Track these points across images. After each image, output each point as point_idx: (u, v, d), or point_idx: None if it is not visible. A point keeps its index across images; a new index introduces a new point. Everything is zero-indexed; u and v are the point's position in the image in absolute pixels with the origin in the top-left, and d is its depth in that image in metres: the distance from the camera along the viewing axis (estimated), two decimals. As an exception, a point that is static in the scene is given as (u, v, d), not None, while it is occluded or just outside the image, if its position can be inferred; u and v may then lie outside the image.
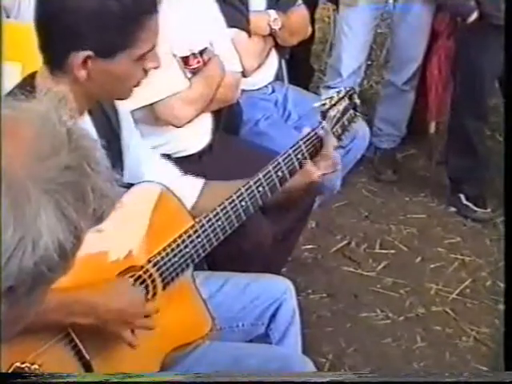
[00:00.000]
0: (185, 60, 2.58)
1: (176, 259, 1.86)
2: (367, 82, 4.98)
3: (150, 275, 1.83)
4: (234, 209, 1.94)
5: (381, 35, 5.03)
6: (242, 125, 3.09)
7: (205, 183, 2.10)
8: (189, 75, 2.59)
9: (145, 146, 2.10)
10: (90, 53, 1.70)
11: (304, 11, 3.31)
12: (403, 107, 4.17)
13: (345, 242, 3.63)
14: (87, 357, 1.73)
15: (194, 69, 2.59)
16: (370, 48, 4.25)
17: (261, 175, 1.99)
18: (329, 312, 3.20)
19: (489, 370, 2.86)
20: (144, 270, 1.82)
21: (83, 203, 0.85)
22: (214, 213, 1.91)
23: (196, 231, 1.88)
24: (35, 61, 1.85)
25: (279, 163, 2.02)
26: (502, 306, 3.11)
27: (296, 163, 2.04)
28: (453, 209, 3.93)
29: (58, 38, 1.72)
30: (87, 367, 1.74)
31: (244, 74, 2.88)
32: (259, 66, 3.13)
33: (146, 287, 1.83)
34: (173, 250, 1.85)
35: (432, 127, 4.21)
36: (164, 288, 1.85)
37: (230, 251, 2.13)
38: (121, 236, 1.77)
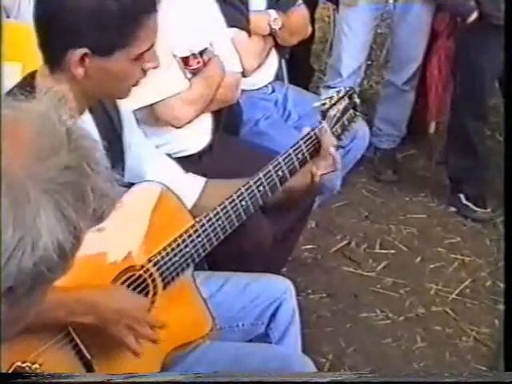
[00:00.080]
0: (185, 60, 2.58)
1: (176, 259, 1.86)
2: (367, 81, 4.98)
3: (151, 275, 1.83)
4: (235, 208, 1.94)
5: (381, 35, 5.03)
6: (242, 125, 3.09)
7: (206, 182, 2.11)
8: (189, 76, 2.59)
9: (146, 145, 2.10)
10: (86, 50, 1.70)
11: (304, 11, 3.31)
12: (403, 107, 4.17)
13: (345, 242, 3.63)
14: (88, 356, 1.73)
15: (194, 69, 2.59)
16: (370, 48, 4.25)
17: (261, 175, 1.99)
18: (329, 312, 3.20)
19: (489, 370, 2.86)
20: (144, 269, 1.82)
21: (83, 203, 0.85)
22: (215, 212, 1.91)
23: (196, 231, 1.88)
24: (35, 61, 1.85)
25: (279, 163, 2.02)
26: (501, 306, 3.11)
27: (296, 163, 2.04)
28: (453, 209, 3.93)
29: (56, 36, 1.72)
30: (88, 367, 1.74)
31: (244, 74, 2.88)
32: (259, 66, 3.13)
33: (147, 287, 1.83)
34: (173, 249, 1.85)
35: (432, 127, 4.22)
36: (164, 287, 1.86)
37: (231, 251, 2.13)
38: (121, 236, 1.78)
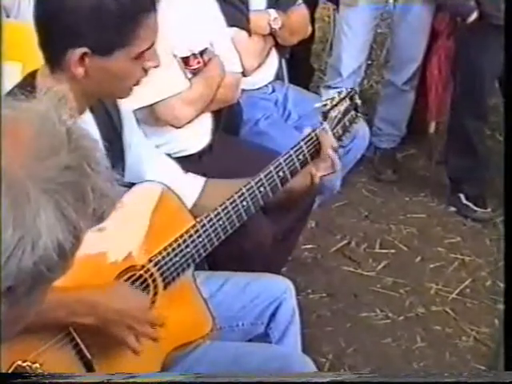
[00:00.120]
0: (185, 60, 2.58)
1: (177, 259, 1.86)
2: (367, 81, 4.98)
3: (151, 275, 1.83)
4: (235, 209, 1.94)
5: (381, 35, 5.03)
6: (242, 124, 3.09)
7: (206, 181, 2.11)
8: (189, 76, 2.59)
9: (146, 145, 2.10)
10: (86, 49, 1.70)
11: (304, 10, 3.31)
12: (403, 107, 4.17)
13: (345, 241, 3.63)
14: (88, 356, 1.73)
15: (194, 69, 2.59)
16: (370, 48, 4.25)
17: (262, 175, 1.99)
18: (329, 312, 3.20)
19: (489, 369, 2.86)
20: (145, 269, 1.82)
21: (83, 203, 0.85)
22: (215, 212, 1.91)
23: (197, 231, 1.88)
24: (35, 60, 1.85)
25: (280, 163, 2.02)
26: (501, 306, 3.11)
27: (297, 164, 2.04)
28: (453, 208, 3.93)
29: (56, 35, 1.72)
30: (88, 367, 1.74)
31: (244, 74, 2.88)
32: (259, 66, 3.13)
33: (147, 287, 1.83)
34: (174, 249, 1.85)
35: (432, 127, 4.22)
36: (165, 288, 1.85)
37: (231, 251, 2.13)
38: (122, 236, 1.78)
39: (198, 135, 2.72)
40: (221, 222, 1.92)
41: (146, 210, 1.84)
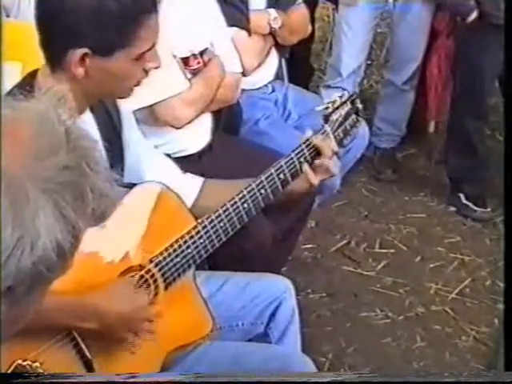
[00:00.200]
0: (185, 61, 2.58)
1: (178, 260, 1.86)
2: (367, 81, 4.98)
3: (152, 275, 1.83)
4: (236, 211, 1.94)
5: (381, 34, 5.03)
6: (241, 124, 3.09)
7: (204, 181, 2.11)
8: (189, 76, 2.59)
9: (145, 145, 2.10)
10: (87, 50, 1.70)
11: (304, 10, 3.31)
12: (403, 107, 4.17)
13: (344, 241, 3.63)
14: (89, 356, 1.73)
15: (194, 69, 2.59)
16: (369, 47, 4.25)
17: (263, 178, 1.99)
18: (328, 311, 3.20)
19: (489, 369, 2.86)
20: (146, 269, 1.82)
21: (82, 203, 0.85)
22: (216, 214, 1.91)
23: (198, 232, 1.88)
24: (35, 60, 1.85)
25: (281, 166, 2.02)
26: (501, 306, 3.11)
27: (298, 166, 2.04)
28: (452, 208, 3.93)
29: (56, 35, 1.73)
30: (89, 366, 1.74)
31: (244, 73, 2.88)
32: (259, 65, 3.13)
33: (148, 287, 1.83)
34: (175, 250, 1.85)
35: (432, 127, 4.22)
36: (166, 288, 1.85)
37: (232, 251, 2.13)
38: (122, 236, 1.78)
39: (198, 135, 2.72)
40: (222, 224, 1.92)
41: (147, 210, 1.84)
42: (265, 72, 3.24)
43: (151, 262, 1.83)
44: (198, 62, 2.60)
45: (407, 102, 4.15)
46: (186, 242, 1.87)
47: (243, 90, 2.95)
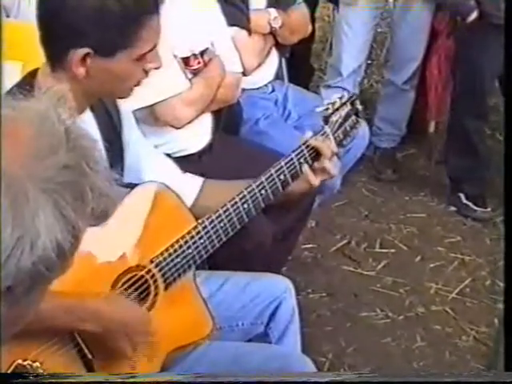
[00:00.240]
0: (185, 61, 2.58)
1: (178, 260, 1.86)
2: (367, 81, 4.98)
3: (153, 276, 1.83)
4: (237, 211, 1.94)
5: (381, 34, 5.03)
6: (242, 124, 3.09)
7: (204, 181, 2.11)
8: (189, 76, 2.59)
9: (144, 144, 2.10)
10: (88, 50, 1.71)
11: (304, 9, 3.31)
12: (403, 106, 4.17)
13: (345, 241, 3.63)
14: (89, 356, 1.73)
15: (194, 69, 2.59)
16: (370, 47, 4.25)
17: (263, 178, 1.99)
18: (328, 311, 3.20)
19: (489, 369, 2.86)
20: (146, 270, 1.82)
21: (82, 202, 0.85)
22: (217, 215, 1.91)
23: (198, 232, 1.88)
24: (35, 60, 1.85)
25: (282, 167, 2.02)
26: (501, 306, 3.11)
27: (298, 167, 2.04)
28: (453, 208, 3.93)
29: (58, 35, 1.73)
30: (89, 366, 1.74)
31: (244, 73, 2.88)
32: (259, 65, 3.13)
33: (148, 287, 1.83)
34: (175, 250, 1.85)
35: (432, 126, 4.22)
36: (166, 289, 1.85)
37: (232, 251, 2.13)
38: (122, 236, 1.78)
39: (198, 135, 2.71)
40: (222, 224, 1.92)
41: (146, 210, 1.84)
42: (265, 72, 3.24)
43: (151, 262, 1.83)
44: (199, 62, 2.60)
45: (407, 101, 4.15)
46: (186, 242, 1.87)
47: (243, 90, 2.95)
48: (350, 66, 4.01)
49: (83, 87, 1.75)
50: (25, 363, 1.63)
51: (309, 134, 2.10)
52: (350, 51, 4.00)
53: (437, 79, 3.98)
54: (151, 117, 2.54)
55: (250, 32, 2.99)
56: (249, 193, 1.97)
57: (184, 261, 1.87)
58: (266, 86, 3.29)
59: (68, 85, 1.68)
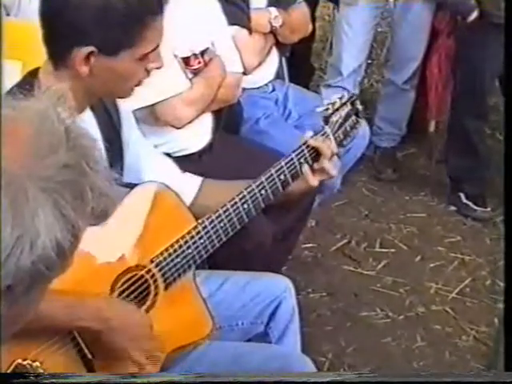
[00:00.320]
0: (186, 61, 2.58)
1: (178, 260, 1.85)
2: (367, 80, 4.98)
3: (153, 275, 1.83)
4: (237, 211, 1.94)
5: (381, 34, 5.03)
6: (242, 123, 3.09)
7: (203, 180, 2.11)
8: (190, 76, 2.58)
9: (144, 144, 2.10)
10: (93, 49, 1.70)
11: (305, 8, 3.31)
12: (403, 106, 4.17)
13: (345, 240, 3.63)
14: (89, 356, 1.73)
15: (195, 69, 2.59)
16: (370, 47, 4.25)
17: (263, 178, 1.99)
18: (329, 311, 3.20)
19: (489, 369, 2.86)
20: (146, 270, 1.82)
21: (81, 202, 0.85)
22: (217, 215, 1.91)
23: (198, 232, 1.88)
24: (36, 59, 1.85)
25: (282, 167, 2.02)
26: (501, 305, 3.11)
27: (298, 167, 2.04)
28: (453, 208, 3.93)
29: (62, 32, 1.73)
30: (89, 366, 1.74)
31: (245, 72, 2.88)
32: (260, 64, 3.13)
33: (148, 287, 1.83)
34: (175, 250, 1.85)
35: (432, 126, 4.22)
36: (166, 288, 1.85)
37: (232, 251, 2.13)
38: (122, 236, 1.78)
39: (199, 134, 2.71)
40: (222, 224, 1.92)
41: (146, 210, 1.84)
42: (265, 71, 3.24)
43: (151, 261, 1.83)
44: (199, 62, 2.60)
45: (408, 101, 4.15)
46: (186, 242, 1.86)
47: (244, 89, 2.95)
48: (350, 65, 4.01)
49: (85, 86, 1.75)
50: (24, 363, 1.63)
51: (309, 133, 2.10)
52: (351, 51, 4.00)
53: (437, 79, 3.98)
54: (151, 116, 2.54)
55: (250, 31, 2.99)
56: (249, 193, 1.96)
57: (184, 261, 1.86)
58: (266, 85, 3.28)
59: (70, 83, 1.68)
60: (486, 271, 3.48)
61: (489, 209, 3.85)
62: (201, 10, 2.68)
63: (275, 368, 1.92)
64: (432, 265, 3.51)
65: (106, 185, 0.88)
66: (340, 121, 2.17)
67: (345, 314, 3.19)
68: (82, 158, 0.86)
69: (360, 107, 2.26)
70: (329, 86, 4.06)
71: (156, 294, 1.84)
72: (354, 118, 2.23)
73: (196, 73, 2.59)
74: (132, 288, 1.81)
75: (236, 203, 1.94)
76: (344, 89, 3.79)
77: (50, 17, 1.74)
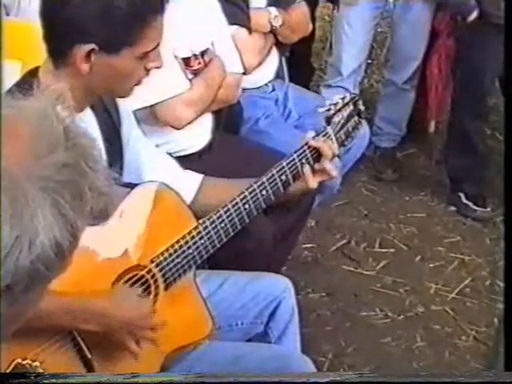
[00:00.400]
0: (186, 61, 2.58)
1: (179, 260, 1.85)
2: (367, 80, 4.98)
3: (153, 275, 1.83)
4: (238, 211, 1.94)
5: (381, 34, 5.02)
6: (242, 123, 3.09)
7: (203, 178, 2.10)
8: (190, 76, 2.58)
9: (144, 142, 2.10)
10: (94, 46, 1.70)
11: (304, 8, 3.31)
12: (403, 106, 4.17)
13: (344, 240, 3.63)
14: (89, 356, 1.73)
15: (195, 70, 2.59)
16: (370, 47, 4.25)
17: (264, 179, 1.99)
18: (328, 311, 3.20)
19: (489, 369, 2.86)
20: (147, 270, 1.82)
21: (80, 201, 0.84)
22: (218, 215, 1.91)
23: (199, 233, 1.88)
24: (35, 59, 1.85)
25: (283, 167, 2.02)
26: (501, 306, 3.11)
27: (300, 168, 2.04)
28: (453, 208, 3.93)
29: (63, 30, 1.73)
30: (89, 366, 1.74)
31: (244, 72, 2.88)
32: (260, 64, 3.12)
33: (148, 287, 1.83)
34: (176, 251, 1.85)
35: (432, 126, 4.21)
36: (166, 289, 1.85)
37: (232, 250, 2.13)
38: (122, 236, 1.77)
39: (199, 134, 2.71)
40: (223, 225, 1.91)
41: (147, 210, 1.84)
42: (265, 71, 3.24)
43: (152, 261, 1.83)
44: (199, 63, 2.60)
45: (407, 101, 4.15)
46: (186, 242, 1.86)
47: (244, 89, 2.95)
48: (350, 65, 4.01)
49: (85, 84, 1.75)
50: (24, 362, 1.63)
51: (311, 133, 2.09)
52: (350, 51, 4.00)
53: (437, 79, 3.98)
54: (152, 117, 2.54)
55: (250, 31, 2.99)
56: (250, 193, 1.96)
57: (184, 261, 1.86)
58: (266, 85, 3.28)
59: (70, 81, 1.68)
60: (486, 271, 3.48)
61: (489, 209, 3.85)
62: (201, 10, 2.68)
63: (275, 368, 1.92)
64: (432, 265, 3.51)
65: (106, 184, 0.88)
66: (342, 121, 2.16)
67: (345, 314, 3.19)
68: (81, 157, 0.86)
69: (362, 108, 2.26)
70: (329, 86, 4.06)
71: (156, 294, 1.84)
72: (356, 118, 2.22)
73: (196, 73, 2.59)
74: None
75: (237, 203, 1.94)
76: (344, 89, 3.80)
77: (51, 14, 1.74)
